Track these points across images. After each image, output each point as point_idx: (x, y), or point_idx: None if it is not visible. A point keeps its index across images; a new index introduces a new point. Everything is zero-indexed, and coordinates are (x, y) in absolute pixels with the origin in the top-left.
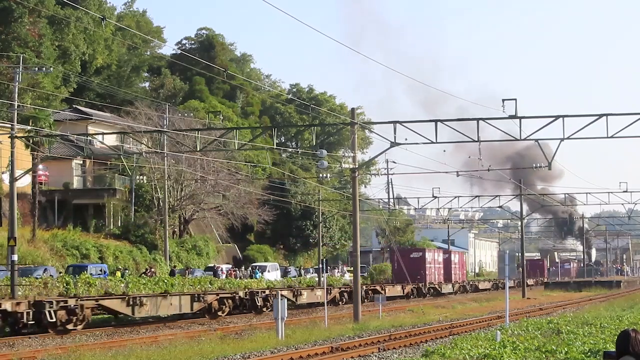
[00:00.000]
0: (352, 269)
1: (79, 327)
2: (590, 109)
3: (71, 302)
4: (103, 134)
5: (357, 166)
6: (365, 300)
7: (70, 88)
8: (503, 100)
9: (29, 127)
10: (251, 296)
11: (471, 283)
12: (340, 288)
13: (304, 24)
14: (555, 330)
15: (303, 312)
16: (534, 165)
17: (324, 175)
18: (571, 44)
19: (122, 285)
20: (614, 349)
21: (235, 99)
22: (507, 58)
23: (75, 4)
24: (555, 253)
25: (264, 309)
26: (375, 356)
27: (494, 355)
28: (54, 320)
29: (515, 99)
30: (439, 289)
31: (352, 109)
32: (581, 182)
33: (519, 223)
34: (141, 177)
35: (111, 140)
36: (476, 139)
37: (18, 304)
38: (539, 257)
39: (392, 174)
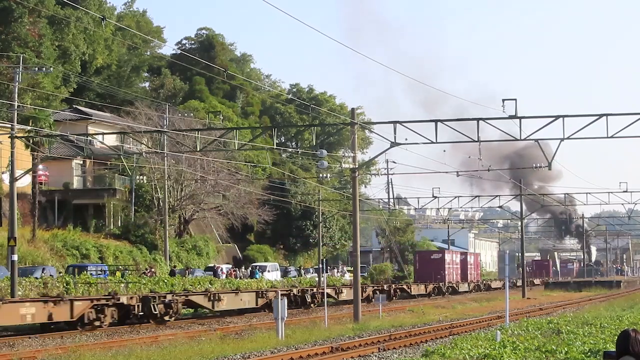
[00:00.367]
0: (352, 269)
1: (172, 318)
2: (590, 109)
3: (169, 297)
4: (103, 134)
5: (357, 166)
6: (394, 298)
7: (70, 88)
8: (503, 100)
9: (29, 127)
10: (302, 293)
11: (484, 282)
12: (372, 286)
13: (304, 23)
14: (555, 330)
15: (303, 312)
16: (534, 165)
17: (324, 175)
18: (571, 44)
19: (122, 285)
20: (614, 349)
21: (235, 99)
22: (507, 58)
23: (75, 4)
24: (555, 253)
25: (312, 305)
26: (375, 356)
27: (494, 355)
28: (157, 312)
29: (515, 99)
30: (457, 288)
31: (352, 109)
32: (581, 182)
33: (519, 223)
34: (141, 177)
35: (111, 140)
36: (476, 139)
37: (131, 298)
38: (545, 258)
39: (392, 174)
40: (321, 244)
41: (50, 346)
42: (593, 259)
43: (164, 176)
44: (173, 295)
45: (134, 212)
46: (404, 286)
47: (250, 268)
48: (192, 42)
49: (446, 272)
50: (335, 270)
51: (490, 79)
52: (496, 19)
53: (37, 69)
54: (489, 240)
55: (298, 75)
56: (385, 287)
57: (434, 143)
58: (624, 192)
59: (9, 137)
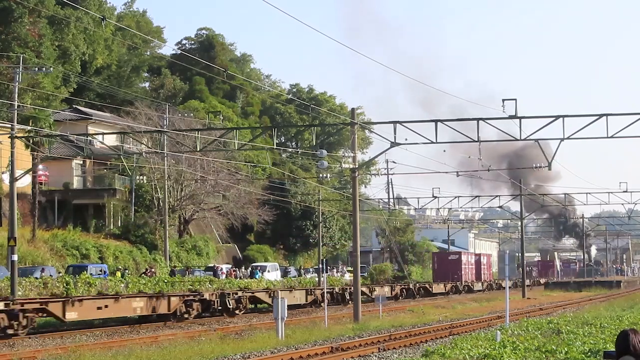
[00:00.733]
0: (352, 269)
1: (241, 312)
2: (590, 109)
3: (239, 294)
4: (103, 134)
5: (357, 166)
6: (417, 296)
7: (70, 88)
8: (503, 100)
9: (29, 127)
10: (342, 291)
11: (496, 281)
12: (401, 285)
13: (304, 23)
14: (555, 330)
15: (303, 312)
16: (534, 165)
17: (324, 175)
18: (571, 43)
19: (122, 285)
20: (614, 349)
21: (235, 99)
22: (506, 58)
23: (75, 4)
24: (555, 253)
25: (350, 302)
26: (375, 356)
27: (494, 355)
28: (231, 306)
29: (515, 99)
30: (472, 287)
31: (352, 109)
32: (581, 182)
33: (519, 223)
34: (141, 177)
35: (111, 140)
36: (475, 139)
37: (212, 294)
38: (545, 258)
39: (392, 174)
40: (321, 244)
41: (50, 346)
42: (592, 258)
43: (164, 176)
44: (243, 292)
45: (134, 212)
46: (426, 285)
47: (250, 268)
48: (192, 42)
49: (463, 272)
50: (335, 270)
51: (490, 78)
52: (495, 18)
53: (37, 69)
54: (489, 240)
55: (298, 75)
56: (411, 286)
57: (434, 143)
58: (624, 192)
59: (9, 137)
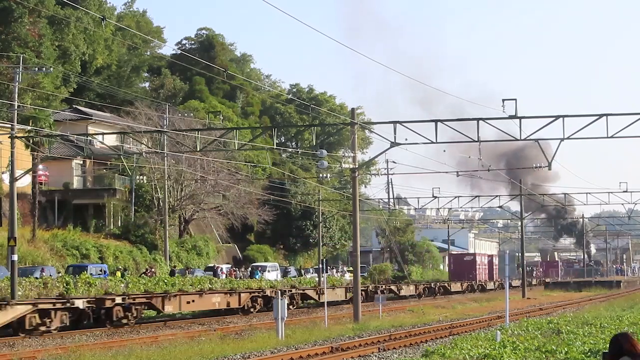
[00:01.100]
0: (352, 269)
1: (293, 307)
2: (590, 109)
3: (293, 290)
4: (103, 134)
5: (357, 166)
6: (437, 294)
7: (70, 88)
8: (503, 100)
9: (29, 127)
10: (375, 290)
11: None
12: (424, 284)
13: (304, 23)
14: (555, 330)
15: (303, 312)
16: (534, 165)
17: (324, 175)
18: (570, 43)
19: (122, 285)
20: None
21: (235, 99)
22: (506, 57)
23: (75, 4)
24: (555, 253)
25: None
26: (375, 356)
27: (494, 355)
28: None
29: (515, 99)
30: (485, 286)
31: (352, 109)
32: (581, 182)
33: (519, 223)
34: (141, 177)
35: (111, 140)
36: (474, 139)
37: (272, 291)
38: (545, 258)
39: (392, 174)
40: (321, 244)
41: (50, 346)
42: (591, 257)
43: (164, 176)
44: (295, 289)
45: (134, 212)
46: (445, 284)
47: (250, 268)
48: (192, 42)
49: (477, 272)
50: (335, 270)
51: (490, 78)
52: (495, 18)
53: (37, 69)
54: (489, 240)
55: (298, 75)
56: (432, 285)
57: (434, 143)
58: (624, 192)
59: (9, 137)
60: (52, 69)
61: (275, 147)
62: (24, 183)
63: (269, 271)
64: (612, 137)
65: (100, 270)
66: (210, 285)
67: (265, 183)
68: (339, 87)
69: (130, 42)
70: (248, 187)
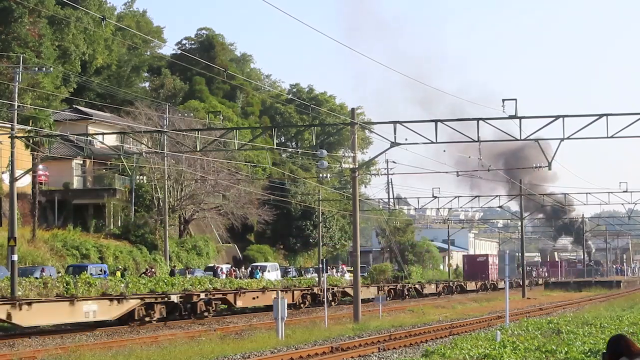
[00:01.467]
0: (352, 269)
1: (334, 303)
2: (590, 109)
3: (335, 289)
4: (103, 134)
5: (357, 166)
6: (455, 292)
7: (70, 88)
8: (503, 100)
9: (29, 127)
10: (402, 288)
11: (515, 280)
12: (443, 283)
13: (304, 23)
14: (555, 330)
15: (303, 312)
16: (534, 165)
17: (324, 175)
18: (570, 43)
19: (122, 285)
20: None
21: (235, 99)
22: (506, 58)
23: (75, 4)
24: (555, 253)
25: (407, 296)
26: (375, 356)
27: (494, 355)
28: (331, 299)
29: (515, 99)
30: (497, 285)
31: (352, 109)
32: (581, 182)
33: (519, 223)
34: (141, 177)
35: (111, 140)
36: (474, 138)
37: (319, 289)
38: (545, 258)
39: (392, 174)
40: (321, 244)
41: (50, 346)
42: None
43: (164, 176)
44: (335, 288)
45: (134, 212)
46: (462, 283)
47: (250, 268)
48: (192, 42)
49: (489, 272)
50: (335, 270)
51: (490, 78)
52: (495, 18)
53: (37, 69)
54: (489, 240)
55: (298, 75)
56: (450, 283)
57: (434, 143)
58: (624, 192)
59: (9, 137)
60: (52, 69)
61: (275, 147)
62: (24, 183)
63: (269, 271)
64: (612, 137)
65: (100, 270)
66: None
67: (265, 183)
68: (339, 87)
69: (130, 42)
70: (248, 187)
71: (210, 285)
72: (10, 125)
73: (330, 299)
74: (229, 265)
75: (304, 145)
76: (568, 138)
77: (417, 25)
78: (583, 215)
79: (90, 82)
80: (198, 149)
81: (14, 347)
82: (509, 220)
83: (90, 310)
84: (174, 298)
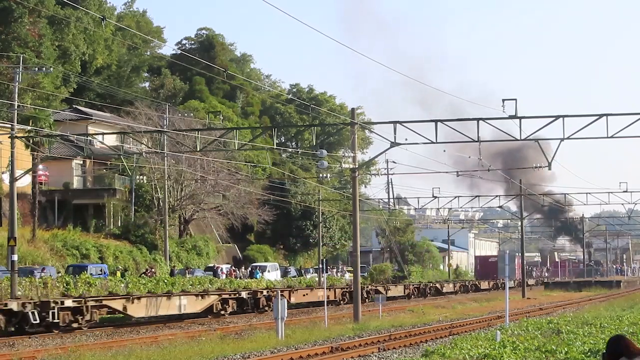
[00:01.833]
0: (352, 269)
1: (368, 300)
2: (590, 109)
3: (368, 287)
4: (103, 134)
5: (357, 166)
6: (470, 291)
7: (70, 88)
8: (503, 100)
9: (29, 127)
10: (425, 286)
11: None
12: (462, 283)
13: (304, 23)
14: (555, 330)
15: (303, 312)
16: (534, 165)
17: (324, 175)
18: (570, 43)
19: (122, 285)
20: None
21: (235, 99)
22: (506, 57)
23: (75, 4)
24: (555, 253)
25: (428, 294)
26: (375, 356)
27: (494, 355)
28: (365, 296)
29: (515, 99)
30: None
31: (352, 109)
32: (581, 182)
33: (519, 223)
34: (141, 177)
35: (111, 140)
36: (473, 138)
37: (333, 291)
38: (545, 258)
39: (392, 174)
40: (321, 244)
41: (50, 346)
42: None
43: (164, 176)
44: (370, 286)
45: (134, 212)
46: (476, 283)
47: (250, 268)
48: (192, 42)
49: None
50: (335, 270)
51: (490, 78)
52: (495, 18)
53: (37, 69)
54: (489, 240)
55: (298, 75)
56: (466, 283)
57: (434, 143)
58: (624, 192)
59: (9, 137)
60: (52, 69)
61: (275, 147)
62: (24, 183)
63: (269, 271)
64: (612, 137)
65: (100, 270)
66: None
67: (265, 183)
68: (339, 87)
69: (130, 42)
70: (248, 187)
71: (210, 285)
72: (10, 125)
73: (365, 296)
74: (229, 265)
75: (304, 145)
76: (568, 138)
77: (417, 25)
78: (583, 214)
79: (90, 82)
80: (198, 149)
81: (14, 347)
82: (509, 220)
83: (182, 304)
84: (244, 294)
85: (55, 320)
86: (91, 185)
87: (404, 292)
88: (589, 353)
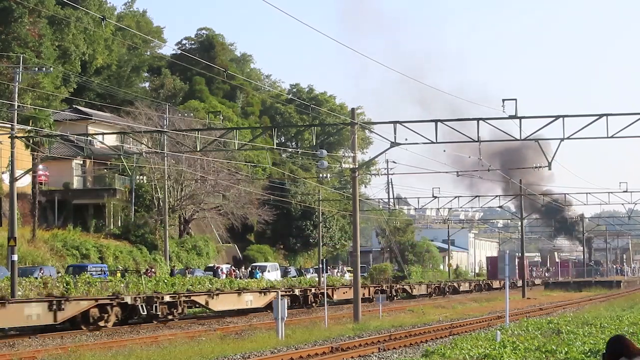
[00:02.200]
0: (352, 269)
1: (397, 298)
2: (590, 109)
3: (397, 286)
4: (103, 134)
5: (357, 166)
6: (484, 290)
7: (70, 88)
8: (503, 100)
9: (29, 127)
10: (440, 285)
11: (531, 279)
12: (476, 283)
13: (304, 23)
14: (555, 330)
15: (303, 312)
16: (534, 165)
17: (324, 175)
18: (570, 43)
19: (122, 285)
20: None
21: (235, 99)
22: (506, 57)
23: (75, 4)
24: (556, 253)
25: (447, 293)
26: (375, 356)
27: (494, 355)
28: (392, 294)
29: (516, 99)
30: (516, 283)
31: (352, 109)
32: (581, 182)
33: (519, 223)
34: (141, 177)
35: (111, 140)
36: (473, 138)
37: (387, 286)
38: (545, 258)
39: (392, 174)
40: (321, 244)
41: (50, 346)
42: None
43: (164, 176)
44: (397, 285)
45: (134, 212)
46: (489, 282)
47: (250, 268)
48: (192, 42)
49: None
50: (335, 270)
51: (490, 78)
52: (495, 18)
53: (37, 69)
54: (489, 240)
55: (298, 75)
56: (480, 282)
57: (434, 143)
58: (624, 192)
59: (9, 137)
60: (52, 69)
61: (275, 147)
62: (24, 183)
63: (269, 271)
64: (612, 137)
65: (100, 271)
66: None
67: (265, 183)
68: (339, 87)
69: (130, 42)
70: (248, 187)
71: (210, 285)
72: (10, 125)
73: (392, 294)
74: (229, 265)
75: (304, 145)
76: (568, 138)
77: (417, 25)
78: (583, 214)
79: (90, 82)
80: (198, 149)
81: (14, 347)
82: (509, 220)
83: (249, 299)
84: (297, 292)
85: (156, 313)
86: (91, 185)
87: (427, 291)
88: (589, 353)
